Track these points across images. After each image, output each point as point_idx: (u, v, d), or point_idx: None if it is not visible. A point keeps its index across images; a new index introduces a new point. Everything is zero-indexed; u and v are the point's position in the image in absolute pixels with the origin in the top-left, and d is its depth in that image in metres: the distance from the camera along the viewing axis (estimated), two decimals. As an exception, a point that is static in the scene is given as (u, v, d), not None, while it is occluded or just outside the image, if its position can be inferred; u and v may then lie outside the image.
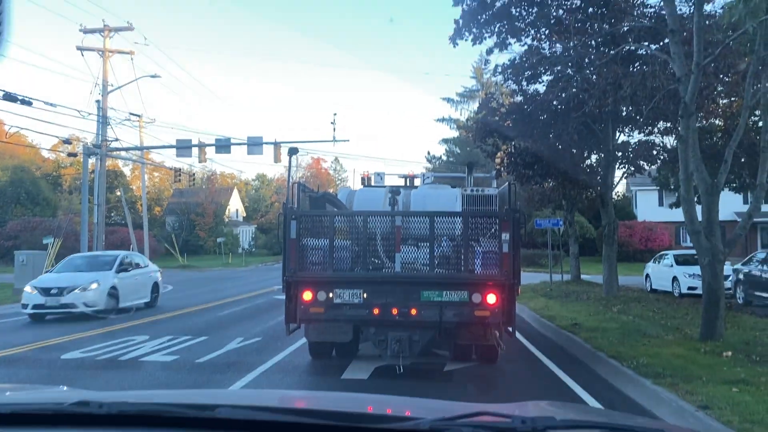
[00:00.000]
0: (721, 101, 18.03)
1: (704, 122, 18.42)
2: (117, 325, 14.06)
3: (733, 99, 17.23)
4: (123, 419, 1.72)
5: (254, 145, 29.89)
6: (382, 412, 1.64)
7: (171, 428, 1.66)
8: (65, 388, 3.16)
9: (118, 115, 42.13)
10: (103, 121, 29.64)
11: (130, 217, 50.71)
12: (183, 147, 30.18)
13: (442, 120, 59.96)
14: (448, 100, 58.41)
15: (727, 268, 16.12)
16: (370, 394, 4.47)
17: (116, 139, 31.68)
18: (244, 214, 75.68)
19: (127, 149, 34.48)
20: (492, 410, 1.58)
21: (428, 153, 62.51)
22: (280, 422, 1.57)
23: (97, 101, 29.96)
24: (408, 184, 14.63)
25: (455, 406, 1.81)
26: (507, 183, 10.07)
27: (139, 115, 35.42)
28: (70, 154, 32.70)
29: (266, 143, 30.33)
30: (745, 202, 31.05)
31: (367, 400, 1.99)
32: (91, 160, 30.69)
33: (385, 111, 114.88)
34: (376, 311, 8.19)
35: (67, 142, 29.60)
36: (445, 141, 59.02)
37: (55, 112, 25.97)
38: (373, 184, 15.92)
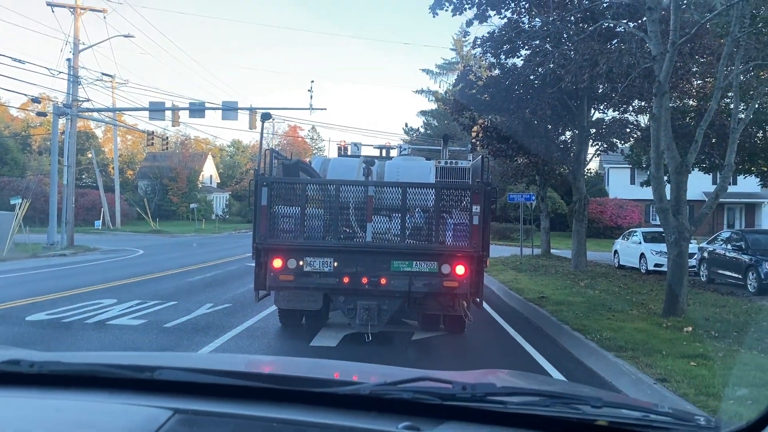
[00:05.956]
0: (695, 82, 18.21)
1: (678, 102, 18.63)
2: (84, 288, 13.92)
3: (707, 80, 17.41)
4: (56, 379, 1.65)
5: (229, 110, 29.49)
6: (326, 377, 1.64)
7: (106, 389, 1.60)
8: None
9: (90, 75, 41.22)
10: (74, 80, 28.92)
11: (102, 179, 50.02)
12: (156, 110, 29.67)
13: (421, 92, 59.71)
14: (428, 71, 58.22)
15: (693, 247, 16.46)
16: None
17: (87, 100, 30.99)
18: (218, 181, 74.84)
19: (98, 110, 33.76)
20: (436, 376, 1.57)
21: (406, 125, 62.26)
22: (218, 384, 1.55)
23: (68, 60, 29.16)
24: (384, 155, 14.55)
25: (410, 372, 1.80)
26: (480, 156, 10.07)
27: (111, 76, 34.73)
28: (39, 114, 31.85)
29: (241, 108, 29.94)
30: (714, 182, 31.62)
31: (323, 365, 1.98)
32: (62, 121, 29.99)
33: (364, 81, 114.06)
34: (346, 280, 8.23)
35: (36, 100, 28.81)
36: (423, 113, 58.84)
37: (24, 69, 25.16)
38: (349, 154, 15.77)
